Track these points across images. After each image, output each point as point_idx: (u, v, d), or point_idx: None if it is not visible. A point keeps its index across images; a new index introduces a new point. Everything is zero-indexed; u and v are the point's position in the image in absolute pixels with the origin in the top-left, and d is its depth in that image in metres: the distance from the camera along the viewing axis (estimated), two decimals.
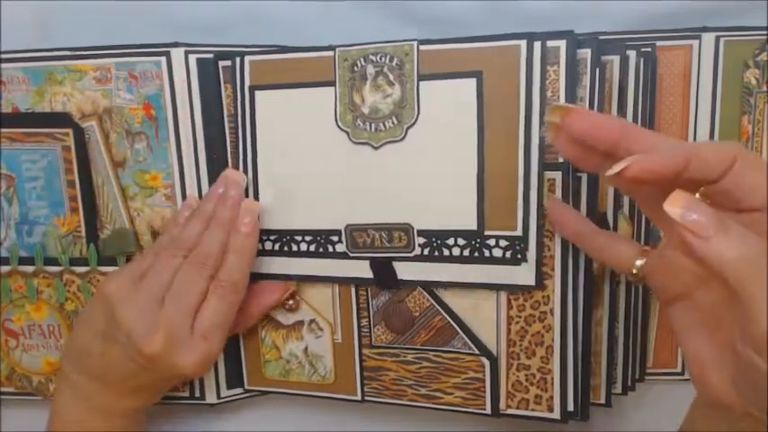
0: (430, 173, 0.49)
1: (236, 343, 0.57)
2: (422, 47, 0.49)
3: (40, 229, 0.57)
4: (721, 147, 0.35)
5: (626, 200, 0.51)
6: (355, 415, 0.59)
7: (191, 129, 0.54)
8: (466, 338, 0.51)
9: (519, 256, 0.48)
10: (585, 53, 0.47)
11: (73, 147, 0.55)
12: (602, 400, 0.52)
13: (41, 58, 0.55)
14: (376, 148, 0.50)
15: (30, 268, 0.57)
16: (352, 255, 0.51)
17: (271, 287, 0.54)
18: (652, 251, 0.41)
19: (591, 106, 0.47)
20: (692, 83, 0.52)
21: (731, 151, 0.34)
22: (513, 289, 0.49)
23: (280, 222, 0.53)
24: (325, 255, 0.52)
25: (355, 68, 0.50)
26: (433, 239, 0.49)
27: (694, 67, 0.52)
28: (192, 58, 0.54)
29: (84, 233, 0.56)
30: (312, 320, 0.55)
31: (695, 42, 0.52)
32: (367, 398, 0.55)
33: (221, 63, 0.54)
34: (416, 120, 0.49)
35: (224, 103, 0.54)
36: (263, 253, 0.53)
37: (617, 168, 0.35)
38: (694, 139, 0.53)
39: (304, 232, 0.52)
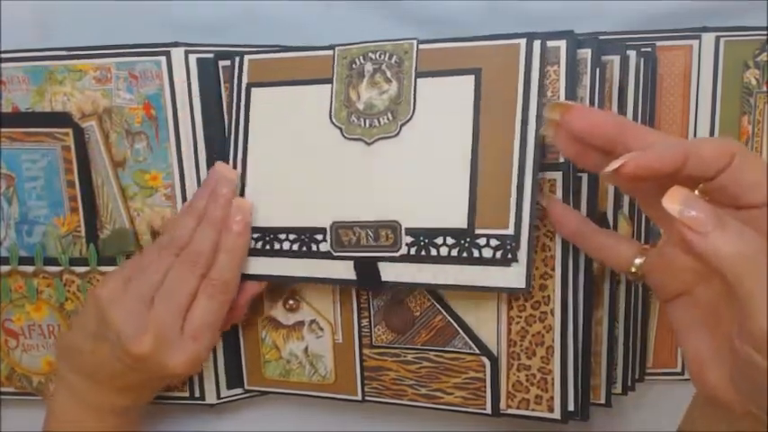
0: (422, 170, 0.48)
1: (236, 343, 0.57)
2: (421, 45, 0.49)
3: (39, 229, 0.57)
4: (719, 143, 0.35)
5: (626, 200, 0.51)
6: (355, 415, 0.59)
7: (191, 129, 0.54)
8: (466, 338, 0.51)
9: (509, 256, 0.46)
10: (586, 53, 0.47)
11: (73, 147, 0.55)
12: (603, 400, 0.52)
13: (41, 57, 0.55)
14: (369, 144, 0.49)
15: (30, 268, 0.57)
16: (335, 254, 0.50)
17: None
18: (651, 249, 0.41)
19: (591, 106, 0.47)
20: (692, 83, 0.52)
21: (729, 148, 0.34)
22: (501, 291, 0.48)
23: (264, 220, 0.52)
24: (309, 254, 0.51)
25: (353, 66, 0.50)
26: (421, 238, 0.48)
27: (694, 68, 0.52)
28: (192, 58, 0.54)
29: (83, 233, 0.56)
30: (312, 320, 0.55)
31: (695, 42, 0.52)
32: (367, 398, 0.55)
33: (221, 63, 0.54)
34: (412, 116, 0.49)
35: (224, 102, 0.54)
36: None
37: (614, 165, 0.35)
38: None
39: (288, 230, 0.51)
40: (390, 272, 0.49)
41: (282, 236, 0.52)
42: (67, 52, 0.55)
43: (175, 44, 0.54)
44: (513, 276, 0.46)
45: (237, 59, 0.53)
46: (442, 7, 0.55)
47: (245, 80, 0.53)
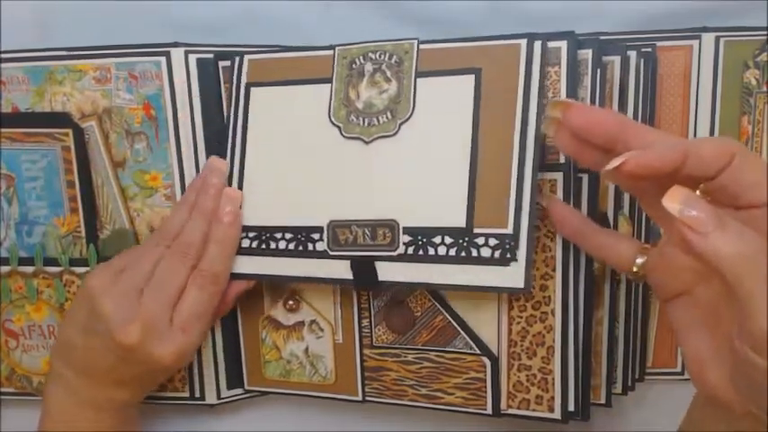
0: (421, 169, 0.48)
1: (236, 343, 0.57)
2: (422, 45, 0.49)
3: (39, 230, 0.57)
4: (719, 143, 0.35)
5: (626, 200, 0.51)
6: (356, 415, 0.59)
7: (191, 129, 0.54)
8: (467, 338, 0.51)
9: (508, 255, 0.46)
10: (587, 54, 0.47)
11: (72, 147, 0.55)
12: (603, 400, 0.52)
13: (41, 57, 0.55)
14: (367, 143, 0.49)
15: (30, 269, 0.57)
16: (332, 253, 0.50)
17: None
18: (652, 249, 0.41)
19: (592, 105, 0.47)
20: (692, 83, 0.52)
21: (729, 148, 0.34)
22: (500, 291, 0.48)
23: (261, 219, 0.52)
24: (305, 254, 0.51)
25: (353, 66, 0.50)
26: (419, 237, 0.48)
27: (694, 68, 0.52)
28: (192, 58, 0.54)
29: (83, 233, 0.56)
30: (313, 321, 0.55)
31: (695, 42, 0.52)
32: (368, 398, 0.55)
33: (221, 63, 0.54)
34: (411, 115, 0.49)
35: (224, 103, 0.54)
36: (240, 251, 0.52)
37: (615, 164, 0.35)
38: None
39: (284, 229, 0.51)
40: (387, 271, 0.49)
41: (278, 235, 0.51)
42: (67, 52, 0.55)
43: (175, 44, 0.54)
44: (512, 276, 0.46)
45: (237, 59, 0.53)
46: (443, 7, 0.55)
47: (244, 80, 0.53)
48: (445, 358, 0.52)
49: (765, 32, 0.51)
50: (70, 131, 0.55)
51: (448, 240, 0.47)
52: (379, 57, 0.50)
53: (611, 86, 0.48)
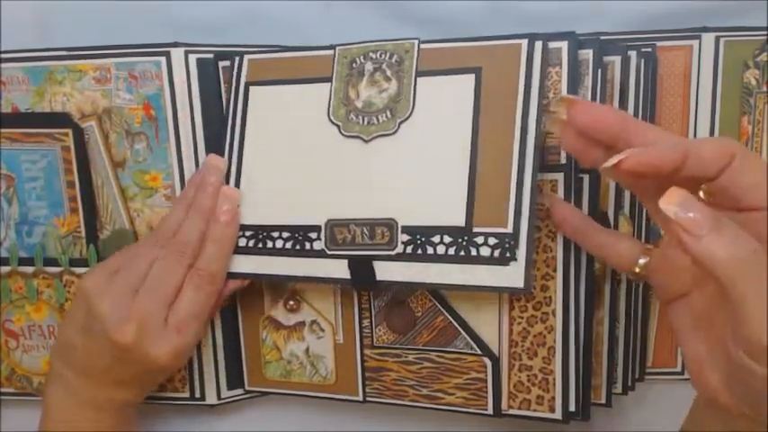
0: (420, 167, 0.48)
1: (236, 344, 0.57)
2: (422, 45, 0.49)
3: (39, 230, 0.57)
4: (719, 143, 0.35)
5: (627, 200, 0.51)
6: (356, 415, 0.59)
7: (191, 129, 0.54)
8: (468, 339, 0.51)
9: (508, 254, 0.46)
10: (587, 54, 0.47)
11: (72, 147, 0.55)
12: (603, 400, 0.52)
13: (41, 57, 0.55)
14: (366, 142, 0.49)
15: (30, 269, 0.57)
16: (329, 253, 0.50)
17: None
18: (655, 250, 0.41)
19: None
20: (692, 83, 0.52)
21: (729, 148, 0.34)
22: (499, 291, 0.48)
23: (259, 218, 0.52)
24: (302, 253, 0.50)
25: (354, 65, 0.50)
26: (418, 236, 0.48)
27: (694, 68, 0.52)
28: (192, 58, 0.54)
29: (83, 234, 0.56)
30: (313, 321, 0.55)
31: (695, 42, 0.52)
32: (368, 398, 0.55)
33: (221, 63, 0.54)
34: (411, 114, 0.49)
35: (224, 103, 0.54)
36: (237, 250, 0.52)
37: (614, 161, 0.35)
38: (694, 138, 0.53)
39: (282, 228, 0.51)
40: (386, 271, 0.49)
41: (276, 234, 0.51)
42: (67, 52, 0.55)
43: (175, 44, 0.53)
44: (512, 276, 0.46)
45: (237, 59, 0.53)
46: (443, 7, 0.55)
47: (243, 79, 0.53)
48: (446, 358, 0.52)
49: (765, 32, 0.51)
50: (70, 131, 0.55)
51: (447, 239, 0.47)
52: (380, 56, 0.50)
53: (612, 87, 0.48)
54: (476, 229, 0.46)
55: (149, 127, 0.54)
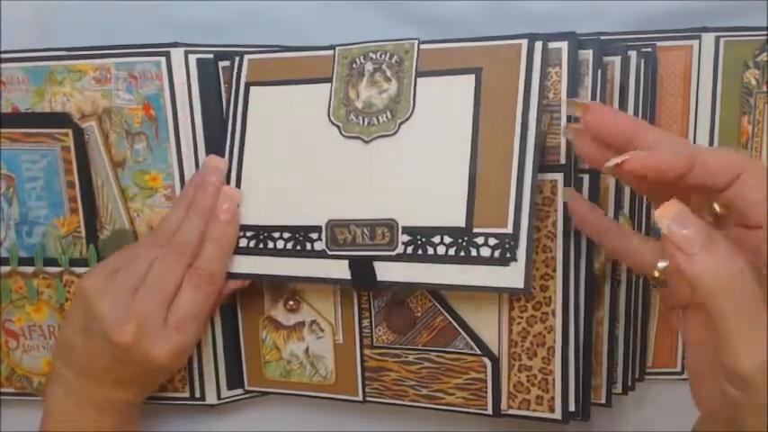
0: (420, 168, 0.48)
1: (236, 344, 0.57)
2: (422, 45, 0.49)
3: (39, 230, 0.57)
4: (728, 155, 0.34)
5: (627, 200, 0.51)
6: (356, 415, 0.59)
7: (191, 129, 0.54)
8: (468, 339, 0.51)
9: (508, 255, 0.46)
10: (587, 54, 0.47)
11: (72, 147, 0.55)
12: (603, 400, 0.52)
13: (41, 58, 0.55)
14: (367, 142, 0.49)
15: (30, 269, 0.57)
16: (330, 253, 0.50)
17: None
18: None
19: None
20: (692, 83, 0.52)
21: (738, 161, 0.34)
22: (499, 291, 0.48)
23: (259, 218, 0.52)
24: (303, 253, 0.50)
25: (354, 66, 0.50)
26: (418, 237, 0.48)
27: (694, 68, 0.52)
28: (192, 59, 0.54)
29: (83, 234, 0.56)
30: (313, 321, 0.55)
31: (695, 43, 0.52)
32: (368, 398, 0.55)
33: (221, 63, 0.54)
34: (411, 115, 0.49)
35: (224, 103, 0.54)
36: (237, 251, 0.52)
37: (616, 160, 0.35)
38: (694, 138, 0.53)
39: (283, 228, 0.51)
40: (386, 271, 0.49)
41: (276, 234, 0.51)
42: (67, 52, 0.55)
43: (175, 44, 0.53)
44: (512, 276, 0.46)
45: (237, 59, 0.53)
46: (443, 7, 0.55)
47: (243, 79, 0.53)
48: (446, 358, 0.52)
49: (765, 32, 0.51)
50: (70, 131, 0.55)
51: (447, 240, 0.47)
52: (380, 56, 0.50)
53: (612, 87, 0.48)
54: (476, 230, 0.46)
55: (149, 127, 0.54)
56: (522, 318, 0.49)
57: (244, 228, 0.52)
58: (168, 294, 0.49)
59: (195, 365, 0.57)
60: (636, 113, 0.50)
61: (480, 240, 0.46)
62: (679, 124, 0.53)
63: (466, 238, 0.47)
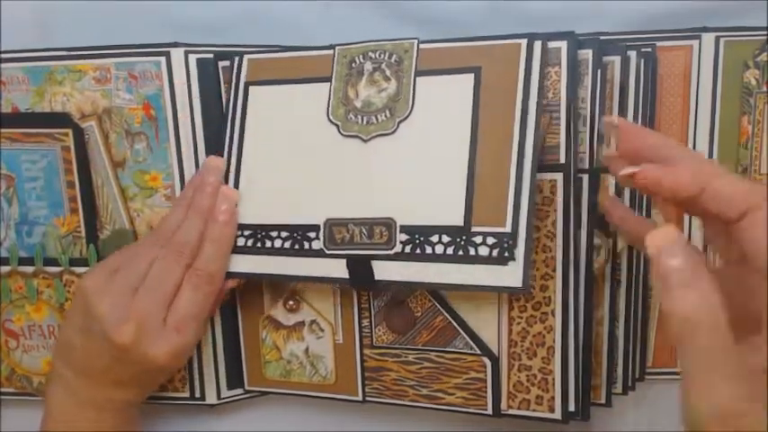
0: (419, 167, 0.48)
1: (236, 344, 0.57)
2: (422, 45, 0.49)
3: (39, 230, 0.57)
4: (741, 187, 0.34)
5: (626, 201, 0.51)
6: (356, 415, 0.59)
7: (191, 129, 0.54)
8: (467, 339, 0.51)
9: (506, 254, 0.46)
10: (587, 54, 0.47)
11: (72, 147, 0.55)
12: (603, 400, 0.52)
13: (41, 58, 0.55)
14: (365, 141, 0.49)
15: (30, 269, 0.57)
16: (328, 252, 0.50)
17: None
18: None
19: (592, 107, 0.47)
20: (692, 83, 0.52)
21: (749, 196, 0.33)
22: (497, 291, 0.48)
23: (257, 217, 0.52)
24: (301, 252, 0.50)
25: (353, 65, 0.50)
26: (416, 236, 0.48)
27: (694, 68, 0.52)
28: (192, 58, 0.54)
29: (83, 234, 0.56)
30: (313, 321, 0.55)
31: (695, 42, 0.52)
32: (368, 398, 0.55)
33: (221, 63, 0.54)
34: (410, 113, 0.49)
35: (224, 103, 0.54)
36: (235, 250, 0.52)
37: (629, 170, 0.35)
38: (694, 139, 0.53)
39: (280, 227, 0.51)
40: (384, 270, 0.49)
41: (274, 233, 0.51)
42: (67, 52, 0.55)
43: (175, 44, 0.54)
44: (510, 275, 0.46)
45: (237, 59, 0.53)
46: (443, 7, 0.55)
47: (243, 79, 0.53)
48: (445, 358, 0.52)
49: (765, 32, 0.51)
50: (70, 131, 0.55)
51: (445, 239, 0.47)
52: (379, 56, 0.50)
53: (612, 86, 0.48)
54: (474, 229, 0.46)
55: (149, 127, 0.54)
56: (521, 318, 0.49)
57: (242, 227, 0.52)
58: (168, 294, 0.49)
59: (195, 365, 0.57)
60: (636, 113, 0.50)
61: (479, 239, 0.46)
62: (679, 124, 0.53)
63: (464, 237, 0.46)
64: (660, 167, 0.35)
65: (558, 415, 0.50)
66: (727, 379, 0.30)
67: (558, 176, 0.47)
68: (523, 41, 0.46)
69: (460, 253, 0.47)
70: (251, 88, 0.53)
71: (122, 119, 0.55)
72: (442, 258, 0.47)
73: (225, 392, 0.58)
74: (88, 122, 0.55)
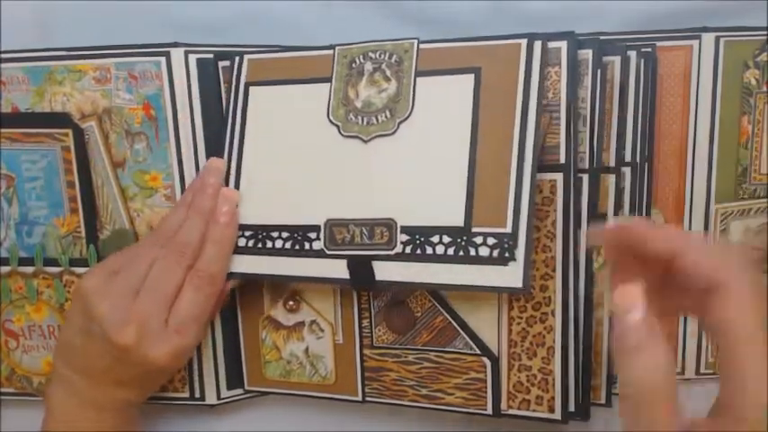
0: (419, 168, 0.48)
1: (236, 344, 0.57)
2: (422, 45, 0.49)
3: (39, 230, 0.57)
4: (711, 262, 0.33)
5: (627, 201, 0.51)
6: (355, 415, 0.59)
7: (190, 129, 0.54)
8: (467, 339, 0.51)
9: (507, 254, 0.46)
10: (587, 54, 0.47)
11: (72, 147, 0.55)
12: (603, 401, 0.52)
13: (41, 58, 0.55)
14: (366, 142, 0.49)
15: (30, 269, 0.57)
16: (329, 253, 0.50)
17: None
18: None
19: (592, 107, 0.47)
20: (692, 83, 0.52)
21: (718, 272, 0.33)
22: (498, 291, 0.48)
23: (258, 218, 0.52)
24: (301, 253, 0.50)
25: (353, 65, 0.50)
26: (417, 236, 0.48)
27: (694, 68, 0.52)
28: (192, 58, 0.54)
29: (83, 234, 0.56)
30: (313, 321, 0.55)
31: (695, 42, 0.52)
32: (368, 398, 0.55)
33: (221, 63, 0.54)
34: (410, 114, 0.49)
35: (224, 103, 0.54)
36: (236, 250, 0.52)
37: (601, 228, 0.36)
38: (694, 139, 0.53)
39: (281, 228, 0.51)
40: (385, 271, 0.49)
41: (275, 234, 0.51)
42: (67, 52, 0.55)
43: (175, 44, 0.54)
44: (511, 276, 0.46)
45: (237, 59, 0.53)
46: (443, 7, 0.55)
47: (243, 79, 0.53)
48: (445, 358, 0.52)
49: (765, 32, 0.51)
50: (70, 132, 0.55)
51: (446, 239, 0.47)
52: (379, 56, 0.50)
53: (612, 87, 0.48)
54: (475, 229, 0.46)
55: (149, 127, 0.54)
56: (521, 318, 0.49)
57: (243, 227, 0.52)
58: (169, 296, 0.49)
59: (195, 365, 0.57)
60: (636, 113, 0.50)
61: (479, 240, 0.46)
62: (679, 124, 0.53)
63: (465, 238, 0.47)
64: (636, 225, 0.35)
65: (557, 415, 0.50)
66: None
67: (558, 176, 0.47)
68: (523, 41, 0.46)
69: (461, 253, 0.47)
70: (251, 88, 0.53)
71: (122, 119, 0.55)
72: (443, 259, 0.47)
73: (225, 393, 0.58)
74: (88, 122, 0.55)
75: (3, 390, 0.60)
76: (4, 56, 0.55)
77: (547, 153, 0.47)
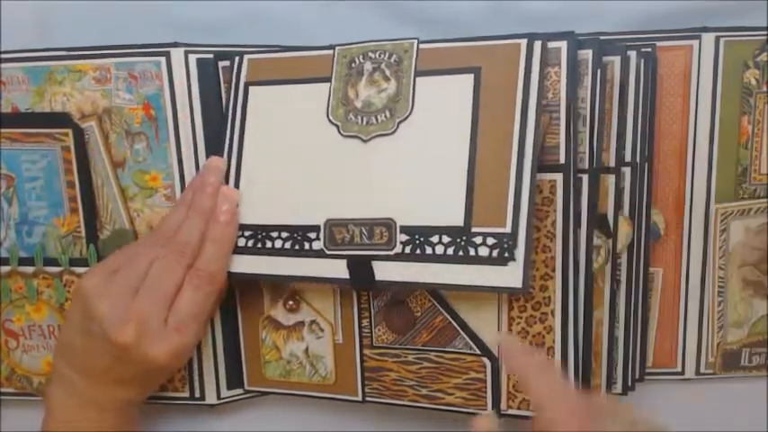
0: (419, 167, 0.48)
1: (236, 344, 0.57)
2: (422, 45, 0.49)
3: (39, 230, 0.57)
4: (537, 387, 0.41)
5: (626, 201, 0.51)
6: (355, 415, 0.59)
7: (190, 129, 0.54)
8: (467, 339, 0.51)
9: (506, 254, 0.46)
10: (587, 54, 0.47)
11: (72, 147, 0.55)
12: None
13: (41, 58, 0.55)
14: (365, 142, 0.49)
15: (30, 269, 0.57)
16: (328, 253, 0.50)
17: None
18: None
19: (592, 107, 0.47)
20: (692, 83, 0.52)
21: (540, 398, 0.40)
22: (497, 291, 0.48)
23: (258, 218, 0.52)
24: (301, 253, 0.50)
25: (353, 65, 0.50)
26: (416, 236, 0.48)
27: (694, 68, 0.52)
28: (192, 58, 0.54)
29: (83, 234, 0.56)
30: (313, 321, 0.55)
31: (695, 42, 0.52)
32: (368, 398, 0.55)
33: (221, 63, 0.54)
34: (410, 114, 0.49)
35: (224, 103, 0.54)
36: (235, 250, 0.52)
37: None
38: (694, 139, 0.53)
39: (281, 228, 0.51)
40: (384, 271, 0.49)
41: (275, 234, 0.51)
42: (67, 52, 0.55)
43: (175, 44, 0.54)
44: (510, 276, 0.46)
45: (237, 59, 0.53)
46: (443, 7, 0.55)
47: (243, 79, 0.53)
48: (445, 358, 0.52)
49: (765, 32, 0.51)
50: (70, 132, 0.55)
51: (446, 239, 0.47)
52: (379, 56, 0.50)
53: (612, 86, 0.48)
54: (474, 229, 0.46)
55: (149, 127, 0.54)
56: (521, 318, 0.49)
57: (242, 227, 0.52)
58: (169, 295, 0.49)
59: (195, 365, 0.57)
60: (636, 113, 0.50)
61: (479, 240, 0.46)
62: (679, 124, 0.53)
63: (464, 238, 0.47)
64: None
65: None
66: None
67: (558, 177, 0.47)
68: (523, 41, 0.46)
69: (461, 253, 0.47)
70: (251, 88, 0.53)
71: (122, 119, 0.55)
72: (443, 259, 0.47)
73: (225, 392, 0.58)
74: (88, 122, 0.55)
75: (3, 390, 0.60)
76: (4, 56, 0.55)
77: (547, 153, 0.47)
